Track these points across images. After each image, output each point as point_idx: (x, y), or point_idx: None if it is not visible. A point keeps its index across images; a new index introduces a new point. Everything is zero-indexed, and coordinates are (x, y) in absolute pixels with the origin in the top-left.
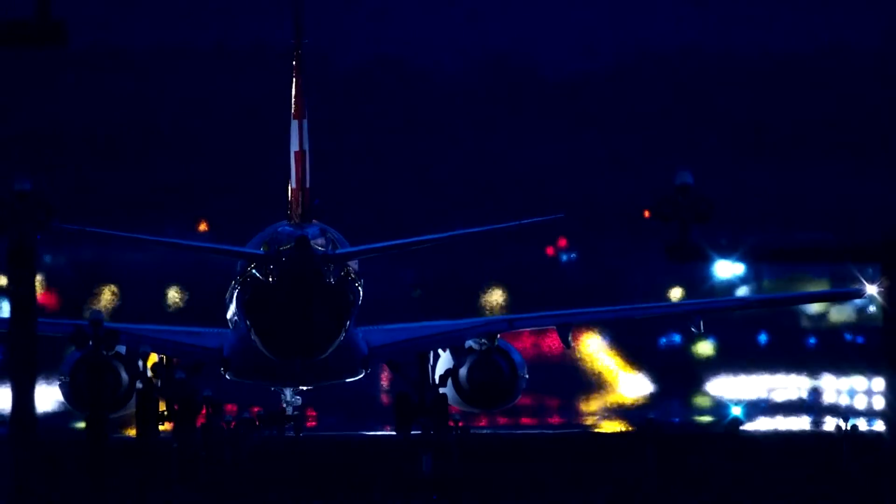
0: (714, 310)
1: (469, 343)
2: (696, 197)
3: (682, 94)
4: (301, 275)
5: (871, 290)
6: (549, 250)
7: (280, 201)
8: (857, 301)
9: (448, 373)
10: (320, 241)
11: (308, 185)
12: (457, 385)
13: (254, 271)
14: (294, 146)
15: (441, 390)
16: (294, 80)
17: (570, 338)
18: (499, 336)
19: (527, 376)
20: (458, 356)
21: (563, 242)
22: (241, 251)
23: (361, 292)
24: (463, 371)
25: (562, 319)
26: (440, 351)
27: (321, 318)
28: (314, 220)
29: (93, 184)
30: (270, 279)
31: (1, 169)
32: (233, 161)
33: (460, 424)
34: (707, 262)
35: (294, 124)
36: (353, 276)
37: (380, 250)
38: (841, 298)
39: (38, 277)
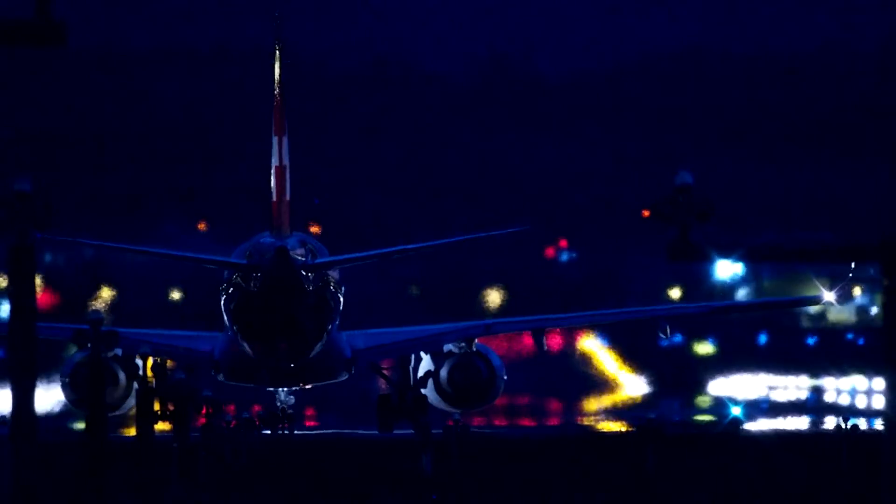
0: (676, 315)
1: (449, 346)
2: (696, 197)
3: (682, 94)
4: (280, 283)
5: (829, 296)
6: (550, 251)
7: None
8: (857, 301)
9: (429, 374)
10: (299, 251)
11: (288, 198)
12: (438, 386)
13: (238, 279)
14: (275, 161)
15: (422, 391)
16: (275, 98)
17: (543, 342)
18: (476, 340)
19: (505, 377)
20: (439, 359)
21: (563, 243)
22: (225, 261)
23: (342, 299)
24: (443, 373)
25: (537, 324)
26: (422, 354)
27: (301, 324)
28: (294, 232)
29: (92, 183)
30: (252, 287)
31: (1, 169)
32: (232, 161)
33: (460, 424)
34: (707, 262)
35: (275, 140)
36: (332, 283)
37: (359, 259)
38: (798, 305)
39: (38, 278)
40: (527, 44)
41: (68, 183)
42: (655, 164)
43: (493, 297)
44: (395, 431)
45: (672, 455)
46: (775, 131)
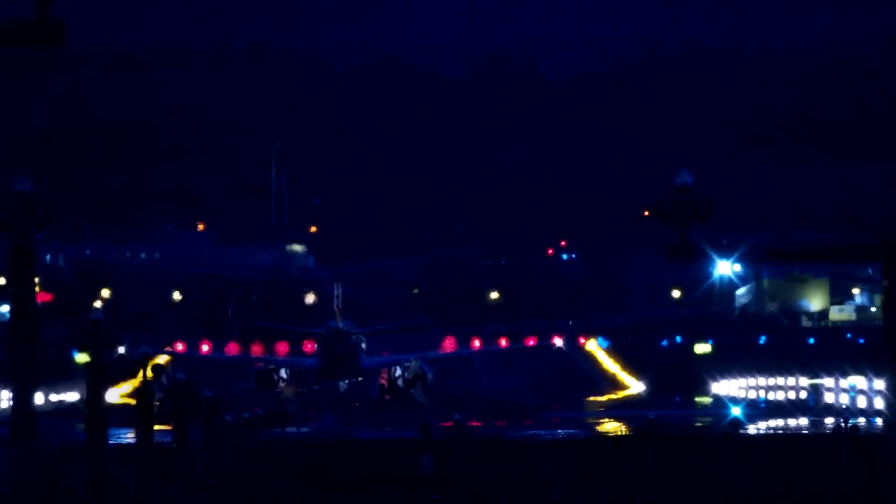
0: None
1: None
2: (696, 196)
3: (682, 93)
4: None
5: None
6: (550, 251)
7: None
8: (857, 301)
9: (417, 377)
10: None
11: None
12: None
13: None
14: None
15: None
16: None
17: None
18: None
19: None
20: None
21: (563, 243)
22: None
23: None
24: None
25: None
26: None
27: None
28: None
29: (92, 183)
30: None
31: (1, 169)
32: (232, 162)
33: (460, 425)
34: (707, 261)
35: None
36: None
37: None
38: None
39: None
40: (527, 44)
41: (68, 183)
42: (655, 163)
43: (492, 299)
44: (396, 433)
45: (672, 455)
46: (776, 131)
